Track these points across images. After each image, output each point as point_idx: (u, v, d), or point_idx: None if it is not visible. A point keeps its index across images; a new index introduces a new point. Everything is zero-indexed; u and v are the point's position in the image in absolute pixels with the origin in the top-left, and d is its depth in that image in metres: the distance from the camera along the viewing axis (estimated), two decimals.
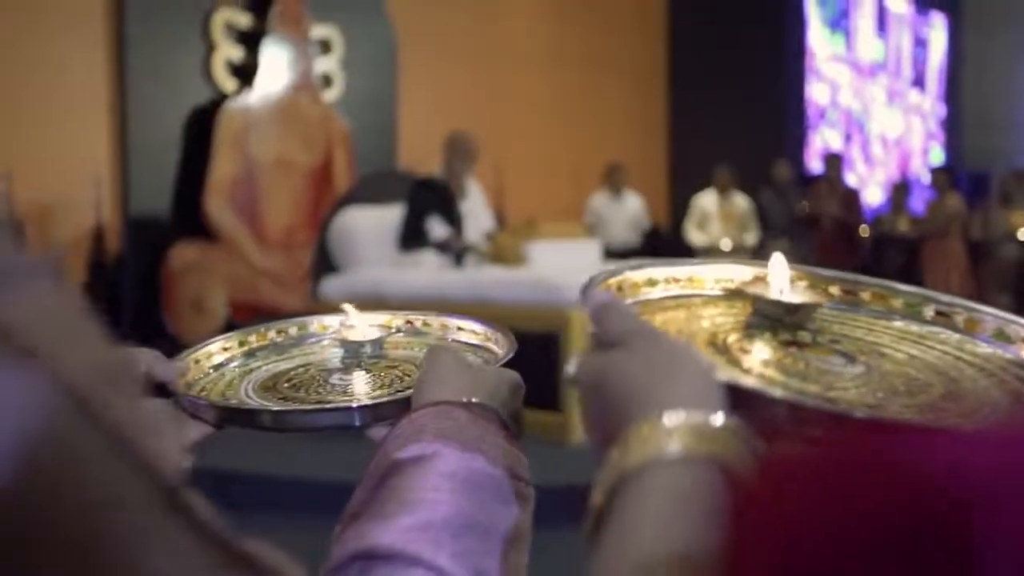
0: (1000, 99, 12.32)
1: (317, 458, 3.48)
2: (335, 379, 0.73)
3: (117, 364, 0.35)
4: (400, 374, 0.72)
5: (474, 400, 0.60)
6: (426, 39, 7.07)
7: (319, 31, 6.18)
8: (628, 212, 7.10)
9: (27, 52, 5.15)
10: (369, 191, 5.24)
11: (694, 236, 7.32)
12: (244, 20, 5.87)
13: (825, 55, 10.43)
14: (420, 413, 0.59)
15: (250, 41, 5.87)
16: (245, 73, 5.84)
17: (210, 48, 5.74)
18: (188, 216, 5.59)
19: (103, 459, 0.33)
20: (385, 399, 0.66)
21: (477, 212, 4.99)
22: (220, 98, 5.76)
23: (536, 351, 3.81)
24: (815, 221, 7.15)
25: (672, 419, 0.44)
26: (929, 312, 0.64)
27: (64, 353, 0.33)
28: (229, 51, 5.81)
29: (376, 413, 0.65)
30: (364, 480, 0.56)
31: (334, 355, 0.78)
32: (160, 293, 5.49)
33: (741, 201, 7.40)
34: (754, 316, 0.62)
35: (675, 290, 0.66)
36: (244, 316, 5.58)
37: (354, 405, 0.67)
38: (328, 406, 0.68)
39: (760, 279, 0.64)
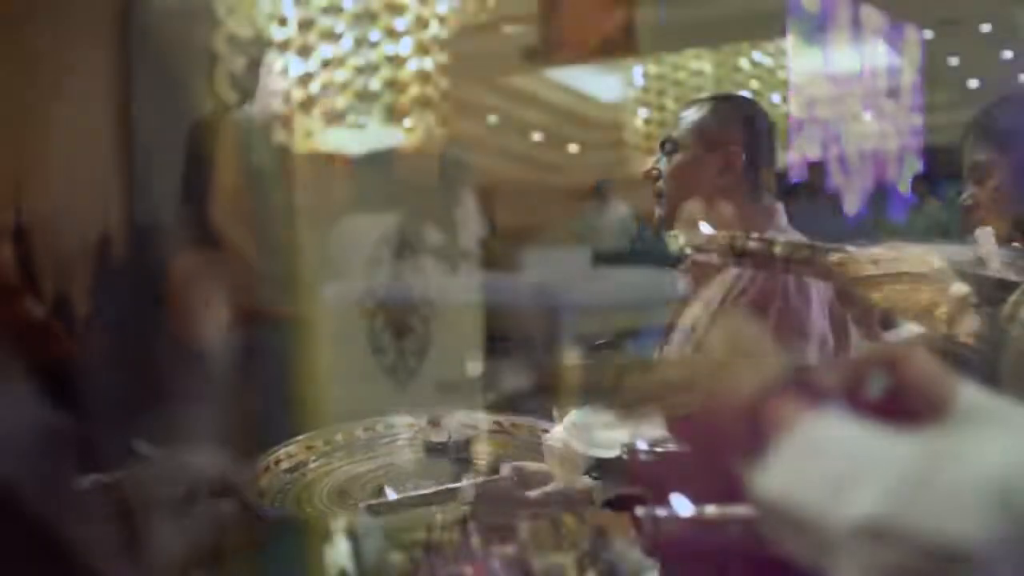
0: (972, 110, 12.57)
1: None
2: (411, 486, 0.72)
3: (32, 431, 0.33)
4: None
5: None
6: None
7: None
8: (616, 219, 7.26)
9: (36, 63, 5.27)
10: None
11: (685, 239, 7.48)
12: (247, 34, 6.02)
13: (802, 68, 10.63)
14: None
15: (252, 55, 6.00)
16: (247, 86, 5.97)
17: (213, 61, 5.87)
18: (193, 224, 5.71)
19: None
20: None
21: (471, 219, 5.12)
22: (223, 110, 5.89)
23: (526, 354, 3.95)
24: None
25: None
26: None
27: None
28: (232, 64, 5.94)
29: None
30: None
31: (415, 457, 0.77)
32: (166, 299, 5.62)
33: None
34: (970, 292, 0.65)
35: (900, 267, 0.68)
36: (247, 321, 5.73)
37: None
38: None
39: (979, 259, 0.67)
